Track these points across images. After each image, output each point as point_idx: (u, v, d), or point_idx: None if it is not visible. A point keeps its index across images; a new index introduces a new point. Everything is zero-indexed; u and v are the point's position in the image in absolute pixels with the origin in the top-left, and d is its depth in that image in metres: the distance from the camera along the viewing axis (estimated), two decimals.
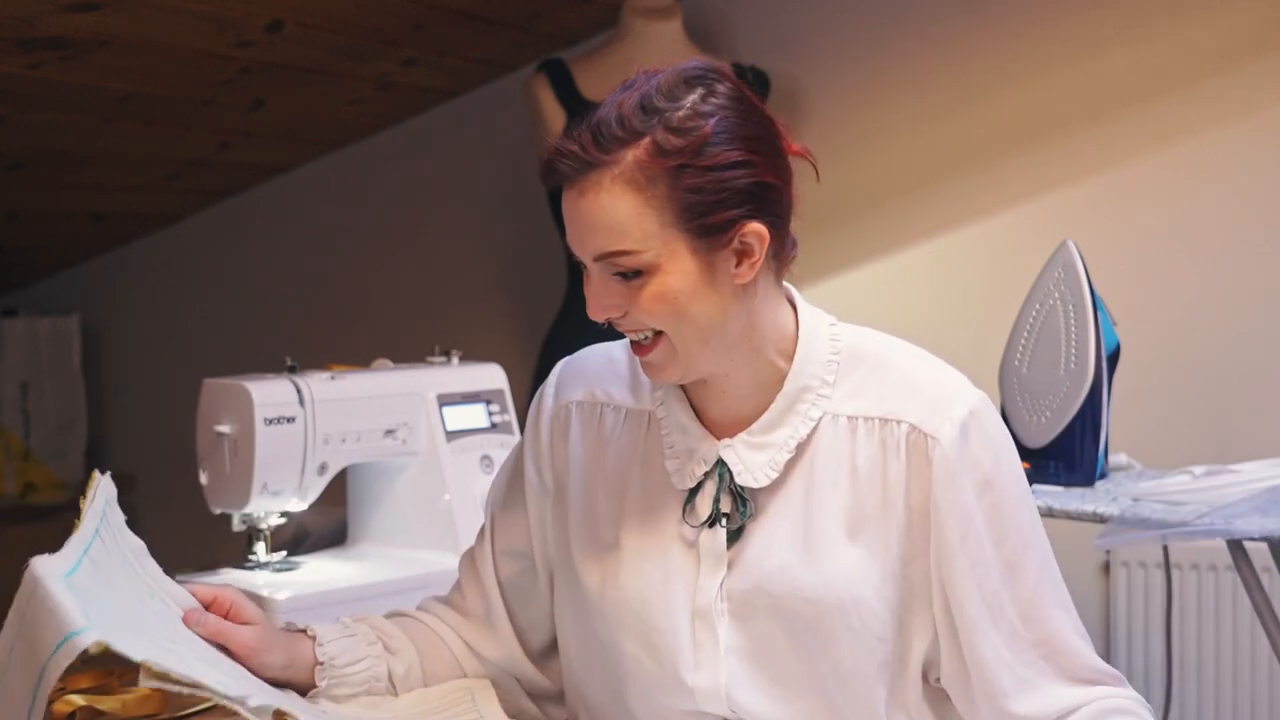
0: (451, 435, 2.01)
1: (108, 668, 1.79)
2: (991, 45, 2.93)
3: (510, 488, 1.52)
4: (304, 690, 1.41)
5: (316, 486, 1.90)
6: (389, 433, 1.96)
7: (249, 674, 1.36)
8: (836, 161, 3.01)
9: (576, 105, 2.87)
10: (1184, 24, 2.77)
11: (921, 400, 1.36)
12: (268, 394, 1.82)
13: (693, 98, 1.30)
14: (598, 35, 3.22)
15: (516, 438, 2.03)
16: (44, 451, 3.74)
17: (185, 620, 1.36)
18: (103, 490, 1.37)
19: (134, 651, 1.18)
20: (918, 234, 3.02)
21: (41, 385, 3.76)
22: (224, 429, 1.81)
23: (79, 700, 1.65)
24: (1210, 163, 2.76)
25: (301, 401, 1.85)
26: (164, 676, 1.18)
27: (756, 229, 1.31)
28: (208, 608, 1.40)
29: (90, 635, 1.14)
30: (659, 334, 1.33)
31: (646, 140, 1.28)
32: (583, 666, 1.47)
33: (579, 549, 1.44)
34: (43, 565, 1.21)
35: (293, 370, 1.90)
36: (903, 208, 3.02)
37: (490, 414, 2.08)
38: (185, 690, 1.20)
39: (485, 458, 2.04)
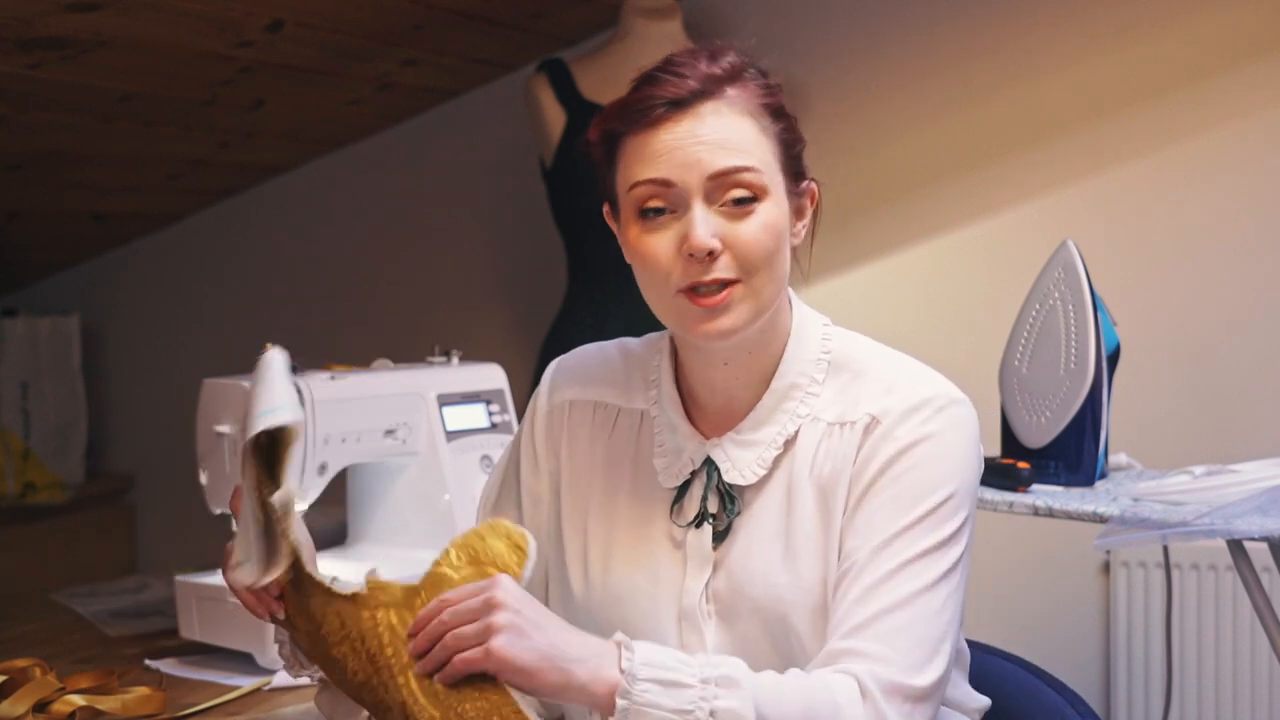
0: (451, 435, 2.01)
1: (109, 667, 1.79)
2: (991, 46, 2.92)
3: (503, 491, 1.52)
4: None
5: (316, 486, 1.90)
6: (389, 433, 1.97)
7: None
8: (836, 161, 3.01)
9: (576, 105, 2.87)
10: (1184, 24, 2.77)
11: (893, 398, 1.33)
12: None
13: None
14: (598, 35, 3.22)
15: None
16: (44, 451, 3.73)
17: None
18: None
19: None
20: (918, 234, 3.01)
21: (41, 385, 3.75)
22: (224, 429, 1.81)
23: (79, 700, 1.65)
24: (1210, 163, 2.76)
25: (301, 401, 1.85)
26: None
27: (815, 190, 1.38)
28: None
29: (288, 415, 1.31)
30: (731, 283, 1.30)
31: (748, 80, 1.33)
32: None
33: (570, 550, 1.44)
34: (275, 354, 1.36)
35: (293, 370, 1.89)
36: (903, 208, 3.02)
37: (490, 414, 2.08)
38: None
39: (485, 458, 2.04)
